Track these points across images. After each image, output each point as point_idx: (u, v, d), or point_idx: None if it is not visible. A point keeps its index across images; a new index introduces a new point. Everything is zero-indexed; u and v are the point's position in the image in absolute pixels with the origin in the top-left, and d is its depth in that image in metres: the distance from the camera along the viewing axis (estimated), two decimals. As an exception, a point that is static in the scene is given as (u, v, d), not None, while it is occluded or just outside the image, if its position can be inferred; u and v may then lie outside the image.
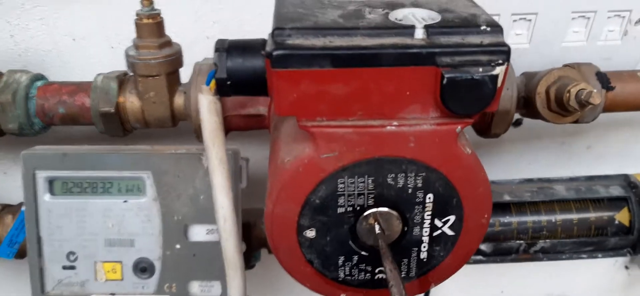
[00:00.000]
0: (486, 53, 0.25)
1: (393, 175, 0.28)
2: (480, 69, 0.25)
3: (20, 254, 0.44)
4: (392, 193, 0.29)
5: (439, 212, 0.30)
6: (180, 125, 0.43)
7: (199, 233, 0.42)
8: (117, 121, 0.41)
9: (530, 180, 0.55)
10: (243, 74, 0.26)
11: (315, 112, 0.26)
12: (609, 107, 0.46)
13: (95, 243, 0.42)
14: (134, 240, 0.42)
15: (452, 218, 0.30)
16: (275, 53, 0.24)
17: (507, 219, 0.52)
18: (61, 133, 0.51)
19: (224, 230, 0.30)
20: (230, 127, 0.42)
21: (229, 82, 0.26)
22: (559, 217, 0.52)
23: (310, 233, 0.30)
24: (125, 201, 0.41)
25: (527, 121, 0.60)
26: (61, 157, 0.41)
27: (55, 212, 0.42)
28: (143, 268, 0.42)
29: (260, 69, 0.26)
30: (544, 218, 0.52)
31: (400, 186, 0.29)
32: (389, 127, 0.27)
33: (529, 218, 0.52)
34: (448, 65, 0.25)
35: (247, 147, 0.52)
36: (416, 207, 0.30)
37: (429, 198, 0.29)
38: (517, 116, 0.56)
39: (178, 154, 0.40)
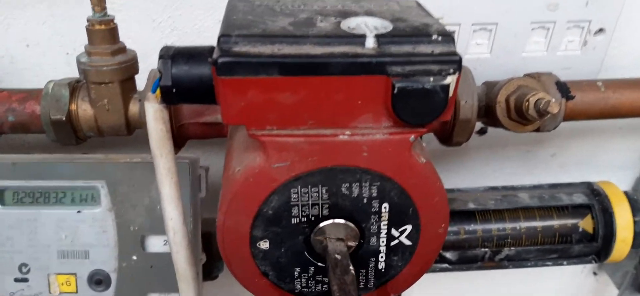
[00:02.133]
0: (437, 62, 0.25)
1: (347, 184, 0.28)
2: (431, 79, 0.25)
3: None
4: (347, 203, 0.29)
5: (396, 221, 0.30)
6: (137, 133, 0.42)
7: (156, 244, 0.41)
8: (69, 129, 0.39)
9: (494, 188, 0.55)
10: (189, 81, 0.25)
11: (264, 121, 0.25)
12: (569, 116, 0.46)
13: (48, 254, 0.41)
14: (88, 251, 0.41)
15: (408, 227, 0.30)
16: (220, 60, 0.23)
17: (472, 227, 0.52)
18: (16, 141, 0.50)
19: (174, 242, 0.29)
20: (188, 135, 0.41)
21: (174, 90, 0.26)
22: (523, 225, 0.52)
23: (264, 245, 0.29)
24: (78, 211, 0.40)
25: (492, 129, 0.60)
26: (10, 167, 0.39)
27: (5, 223, 0.40)
28: (98, 280, 0.41)
29: (207, 76, 0.25)
30: (508, 225, 0.52)
31: (355, 196, 0.28)
32: (341, 136, 0.26)
33: (494, 226, 0.52)
34: (399, 74, 0.25)
35: (208, 155, 0.51)
36: (372, 216, 0.29)
37: (385, 207, 0.29)
38: (480, 125, 0.57)
39: (133, 163, 0.39)
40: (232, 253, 0.29)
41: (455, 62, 0.25)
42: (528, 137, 0.62)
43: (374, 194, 0.28)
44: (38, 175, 0.39)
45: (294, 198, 0.28)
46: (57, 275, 0.41)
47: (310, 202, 0.28)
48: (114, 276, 0.41)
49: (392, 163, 0.27)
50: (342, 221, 0.29)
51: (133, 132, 0.41)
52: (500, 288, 0.73)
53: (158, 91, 0.26)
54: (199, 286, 0.42)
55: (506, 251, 0.52)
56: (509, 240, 0.52)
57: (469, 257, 0.53)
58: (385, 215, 0.29)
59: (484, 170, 0.63)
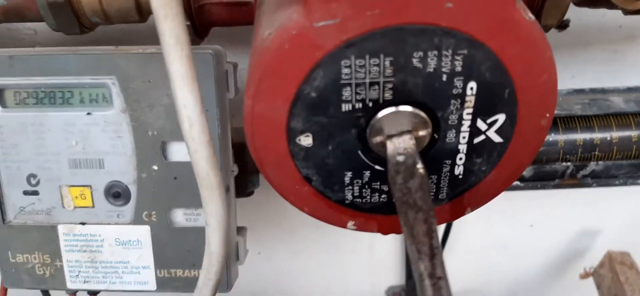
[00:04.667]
0: None
1: (420, 53, 0.20)
2: None
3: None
4: (418, 82, 0.21)
5: (484, 109, 0.22)
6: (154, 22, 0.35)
7: (179, 151, 0.34)
8: (69, 13, 0.33)
9: (580, 91, 0.46)
10: None
11: (304, -47, 0.18)
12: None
13: (59, 164, 0.35)
14: (103, 160, 0.35)
15: (501, 117, 0.22)
16: None
17: (552, 137, 0.43)
18: (26, 39, 0.44)
19: (191, 137, 0.23)
20: (211, 20, 0.33)
21: None
22: (616, 134, 0.43)
23: (306, 141, 0.22)
24: (88, 113, 0.34)
25: (573, 25, 0.50)
26: (8, 61, 0.33)
27: (8, 127, 0.35)
28: (116, 193, 0.36)
29: None
30: (597, 135, 0.43)
31: (431, 70, 0.20)
32: (415, -22, 0.18)
33: (579, 136, 0.43)
34: None
35: (238, 53, 0.43)
36: (452, 101, 0.21)
37: (471, 88, 0.21)
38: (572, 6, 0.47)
39: (147, 54, 0.32)
40: (264, 151, 0.22)
41: None
42: (616, 34, 0.52)
43: (458, 68, 0.20)
44: (39, 70, 0.33)
45: (346, 74, 0.20)
46: (69, 187, 0.36)
47: (367, 80, 0.21)
48: (133, 189, 0.36)
49: (487, 20, 0.19)
50: (409, 108, 0.22)
51: (147, 17, 0.34)
52: (564, 213, 0.64)
53: None
54: (229, 197, 0.36)
55: (592, 165, 0.44)
56: (596, 153, 0.43)
57: (546, 173, 0.45)
58: (470, 100, 0.21)
59: (562, 74, 0.53)
